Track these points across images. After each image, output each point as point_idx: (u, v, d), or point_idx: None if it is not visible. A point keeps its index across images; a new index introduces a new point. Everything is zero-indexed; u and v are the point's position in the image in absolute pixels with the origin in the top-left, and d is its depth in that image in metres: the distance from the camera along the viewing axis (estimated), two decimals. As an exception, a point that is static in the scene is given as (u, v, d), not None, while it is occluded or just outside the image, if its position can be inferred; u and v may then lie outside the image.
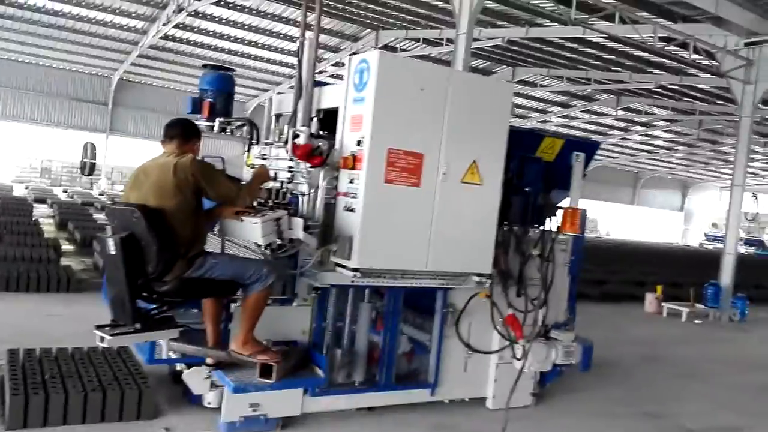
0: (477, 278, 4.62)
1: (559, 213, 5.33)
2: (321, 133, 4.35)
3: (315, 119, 4.66)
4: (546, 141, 5.33)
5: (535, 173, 5.20)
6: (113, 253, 3.29)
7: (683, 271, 17.65)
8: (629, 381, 6.61)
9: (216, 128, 5.30)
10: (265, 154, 4.83)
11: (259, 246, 4.01)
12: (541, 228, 5.29)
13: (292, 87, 5.67)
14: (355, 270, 4.08)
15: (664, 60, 17.34)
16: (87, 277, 8.91)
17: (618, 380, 6.57)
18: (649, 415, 5.64)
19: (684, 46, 12.67)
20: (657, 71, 18.92)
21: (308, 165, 4.15)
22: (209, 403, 4.42)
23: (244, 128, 5.26)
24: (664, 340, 9.34)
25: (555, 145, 5.40)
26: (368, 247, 4.04)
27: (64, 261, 9.70)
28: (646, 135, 32.45)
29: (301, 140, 4.13)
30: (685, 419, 5.58)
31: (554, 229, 5.30)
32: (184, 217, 3.56)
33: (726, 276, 11.88)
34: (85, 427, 4.02)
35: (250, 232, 3.76)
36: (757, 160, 35.52)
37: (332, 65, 22.14)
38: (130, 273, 3.29)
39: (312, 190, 4.22)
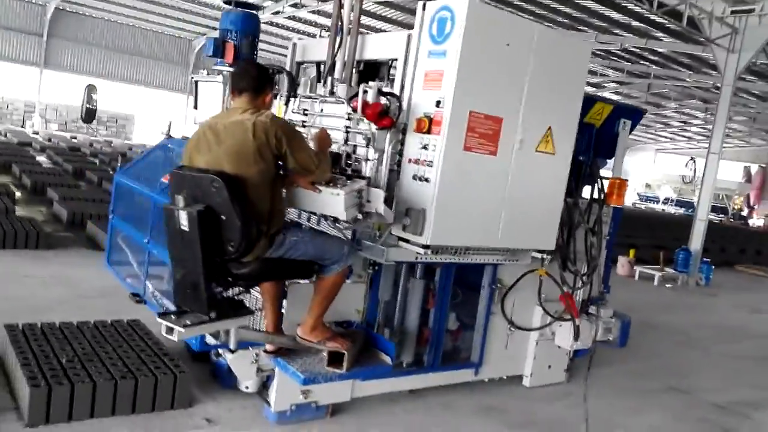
0: (537, 254, 4.29)
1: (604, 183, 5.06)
2: (384, 89, 3.80)
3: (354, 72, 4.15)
4: (596, 106, 4.97)
5: (586, 140, 4.87)
6: (186, 228, 2.73)
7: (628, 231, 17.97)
8: (640, 353, 6.53)
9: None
10: (306, 109, 4.26)
11: (336, 221, 3.52)
12: (590, 199, 5.00)
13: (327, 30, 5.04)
14: (425, 246, 3.66)
15: (630, 20, 17.25)
16: (52, 231, 8.12)
17: (631, 352, 6.48)
18: (676, 390, 5.57)
19: (673, 13, 12.53)
20: (623, 33, 18.84)
21: (374, 126, 3.64)
22: (247, 388, 3.98)
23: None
24: (649, 307, 9.41)
25: (604, 111, 5.06)
26: (442, 221, 3.61)
27: (19, 211, 8.80)
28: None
29: (369, 97, 3.60)
30: (709, 395, 5.54)
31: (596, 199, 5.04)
32: (264, 187, 3.00)
33: (696, 242, 12.11)
34: (115, 420, 3.50)
35: (330, 205, 3.25)
36: (696, 125, 36.77)
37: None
38: (206, 253, 2.74)
39: (376, 156, 3.72)
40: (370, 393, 4.07)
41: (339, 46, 4.38)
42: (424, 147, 3.62)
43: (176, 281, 2.92)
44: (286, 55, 5.16)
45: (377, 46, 4.28)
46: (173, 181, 2.99)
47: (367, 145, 3.75)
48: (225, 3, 4.98)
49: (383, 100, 3.70)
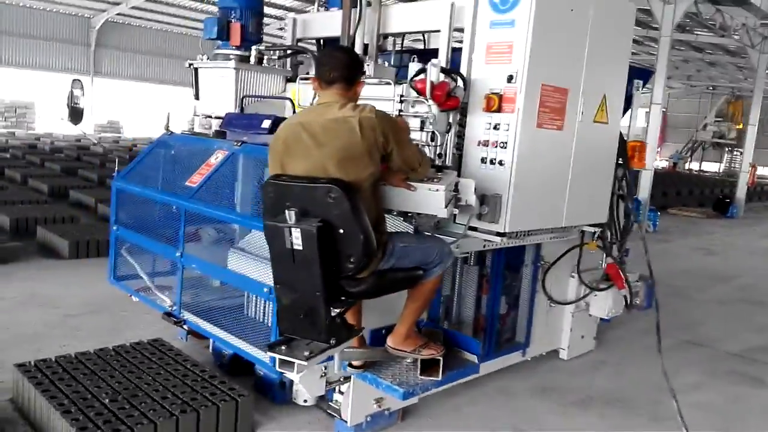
0: (591, 228, 4.15)
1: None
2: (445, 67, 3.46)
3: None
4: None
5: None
6: (300, 247, 2.32)
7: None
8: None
9: (253, 59, 4.18)
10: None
11: (435, 220, 3.19)
12: (616, 164, 4.89)
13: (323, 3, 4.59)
14: (500, 234, 3.41)
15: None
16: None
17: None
18: (691, 343, 5.69)
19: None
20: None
21: (435, 108, 3.31)
22: (305, 401, 3.65)
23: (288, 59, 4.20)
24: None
25: (621, 73, 4.94)
26: (519, 206, 3.37)
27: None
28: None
29: (433, 77, 3.25)
30: (723, 344, 5.69)
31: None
32: (372, 191, 2.62)
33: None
34: (182, 461, 3.10)
35: (428, 203, 2.90)
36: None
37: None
38: (327, 273, 2.35)
39: (439, 139, 3.40)
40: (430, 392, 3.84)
41: (359, 19, 3.99)
42: (495, 127, 3.33)
43: (283, 307, 2.52)
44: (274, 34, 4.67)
45: (408, 18, 3.93)
46: (271, 193, 2.54)
47: (422, 129, 3.43)
48: (223, -22, 4.41)
49: (442, 78, 3.37)
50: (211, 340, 4.21)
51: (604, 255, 4.68)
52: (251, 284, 3.25)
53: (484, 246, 3.57)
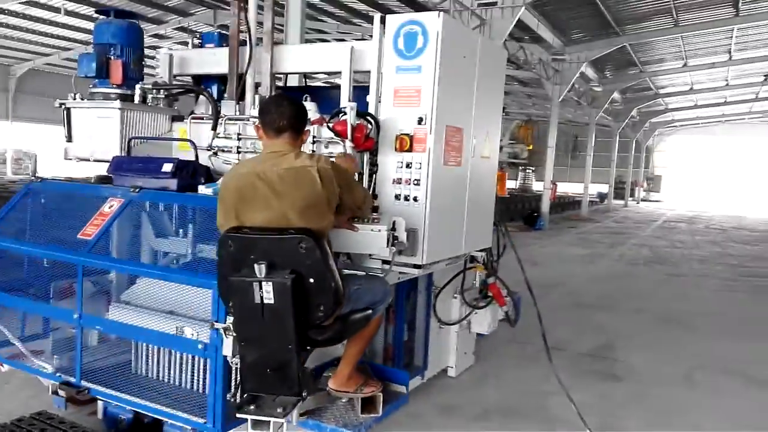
0: (479, 253, 4.49)
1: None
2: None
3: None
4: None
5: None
6: (271, 301, 2.24)
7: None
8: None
9: (137, 97, 3.95)
10: (239, 134, 3.79)
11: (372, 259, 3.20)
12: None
13: (198, 41, 4.48)
14: (417, 266, 3.59)
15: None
16: None
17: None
18: (553, 348, 6.32)
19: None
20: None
21: (350, 147, 3.42)
22: None
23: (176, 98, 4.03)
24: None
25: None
26: (434, 239, 3.58)
27: None
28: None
29: (350, 119, 3.35)
30: (573, 346, 6.41)
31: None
32: (328, 238, 2.60)
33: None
34: None
35: (371, 243, 2.95)
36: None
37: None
38: (299, 325, 2.29)
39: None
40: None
41: (249, 58, 3.99)
42: (407, 166, 3.52)
43: (248, 364, 2.41)
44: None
45: (306, 59, 4.02)
46: (231, 247, 2.43)
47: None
48: (99, 13, 4.09)
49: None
50: (98, 406, 3.84)
51: (477, 274, 5.07)
52: (182, 342, 3.05)
53: (399, 279, 3.72)
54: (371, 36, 3.62)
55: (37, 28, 20.68)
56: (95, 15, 4.08)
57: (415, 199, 3.51)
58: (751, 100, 29.81)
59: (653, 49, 19.88)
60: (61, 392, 3.50)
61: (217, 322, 2.76)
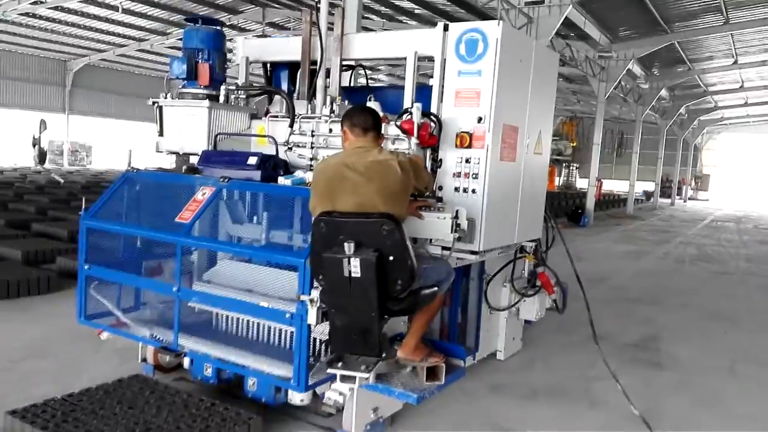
0: (529, 243, 4.81)
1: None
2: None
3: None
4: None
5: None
6: (358, 275, 2.63)
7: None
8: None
9: (222, 97, 4.40)
10: (313, 131, 4.20)
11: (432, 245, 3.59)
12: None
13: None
14: (474, 252, 3.93)
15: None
16: None
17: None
18: (599, 338, 6.57)
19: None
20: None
21: (415, 144, 3.79)
22: (302, 401, 3.82)
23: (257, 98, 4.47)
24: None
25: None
26: (490, 227, 3.92)
27: None
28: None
29: (416, 118, 3.72)
30: (619, 337, 6.64)
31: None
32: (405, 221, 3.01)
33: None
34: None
35: (436, 229, 3.33)
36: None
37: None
38: (380, 296, 2.69)
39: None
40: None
41: (321, 60, 4.38)
42: (467, 161, 3.87)
43: (337, 328, 2.81)
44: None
45: (372, 46, 4.42)
46: (323, 228, 2.84)
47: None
48: (187, 21, 4.56)
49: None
50: (187, 370, 4.32)
51: (527, 264, 5.37)
52: (272, 313, 3.46)
53: (456, 264, 4.07)
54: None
55: (94, 24, 21.69)
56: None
57: (473, 191, 3.86)
58: (805, 97, 29.06)
59: (702, 46, 19.64)
60: (162, 356, 3.95)
61: (303, 294, 3.17)
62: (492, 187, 3.89)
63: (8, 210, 13.14)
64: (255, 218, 4.36)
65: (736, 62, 21.19)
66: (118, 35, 23.32)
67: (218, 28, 4.54)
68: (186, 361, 4.04)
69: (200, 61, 4.34)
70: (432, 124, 3.83)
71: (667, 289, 9.78)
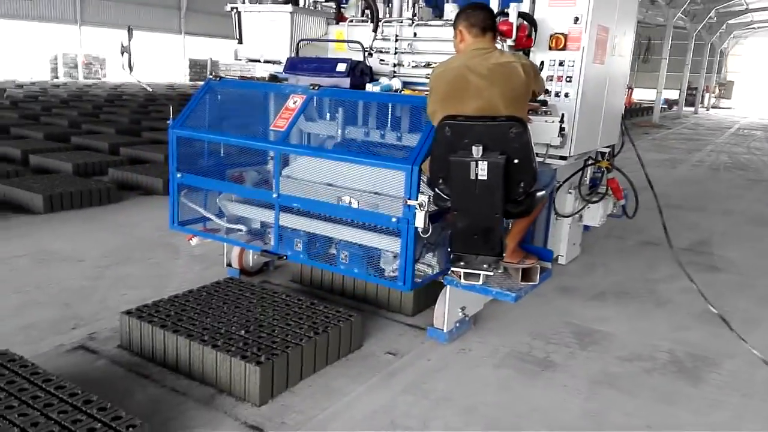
0: (605, 149, 4.83)
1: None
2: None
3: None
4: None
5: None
6: (485, 177, 2.69)
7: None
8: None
9: (302, 2, 4.32)
10: (397, 35, 4.15)
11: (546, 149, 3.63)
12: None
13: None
14: (563, 158, 3.97)
15: None
16: None
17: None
18: (649, 243, 6.71)
19: None
20: None
21: (508, 47, 3.74)
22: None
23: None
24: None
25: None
26: (581, 133, 3.94)
27: None
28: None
29: (513, 18, 3.66)
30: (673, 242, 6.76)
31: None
32: None
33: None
34: (332, 369, 3.47)
35: (544, 132, 3.36)
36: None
37: None
38: (506, 198, 2.76)
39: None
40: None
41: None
42: (560, 63, 3.83)
43: (459, 229, 2.91)
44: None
45: None
46: (448, 132, 2.87)
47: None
48: None
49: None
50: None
51: (590, 171, 5.41)
52: (378, 217, 3.53)
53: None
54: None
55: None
56: None
57: (566, 95, 3.85)
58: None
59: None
60: (263, 258, 4.10)
61: (410, 199, 3.25)
62: (585, 91, 3.87)
63: (42, 123, 13.19)
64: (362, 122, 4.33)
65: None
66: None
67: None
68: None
69: (278, -38, 4.23)
70: (528, 26, 3.77)
71: (707, 195, 9.83)
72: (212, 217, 4.32)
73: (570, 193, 5.46)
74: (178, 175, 4.24)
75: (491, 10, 3.25)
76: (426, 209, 3.18)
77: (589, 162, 5.09)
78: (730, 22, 33.54)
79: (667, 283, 5.44)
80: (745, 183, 11.34)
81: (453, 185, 2.89)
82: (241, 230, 4.42)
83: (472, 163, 2.77)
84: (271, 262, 4.97)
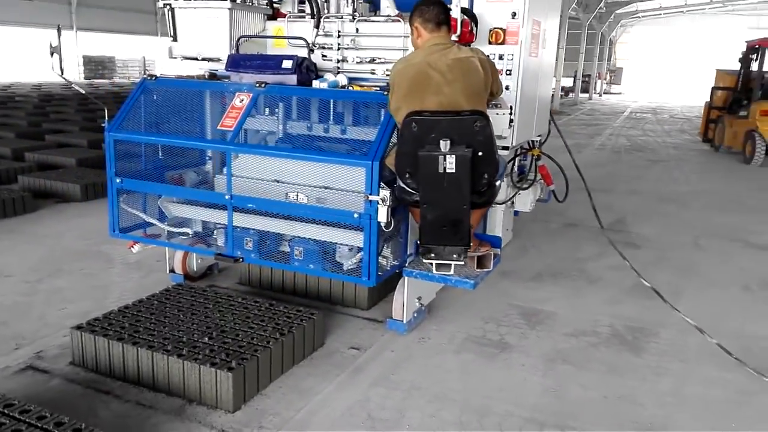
0: (537, 138, 5.07)
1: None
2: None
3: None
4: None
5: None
6: (452, 170, 2.76)
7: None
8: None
9: (239, -3, 4.24)
10: (340, 32, 4.16)
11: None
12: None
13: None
14: (505, 148, 4.14)
15: None
16: None
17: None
18: (570, 225, 7.09)
19: None
20: None
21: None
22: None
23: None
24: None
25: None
26: (521, 123, 4.12)
27: None
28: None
29: (456, 14, 3.75)
30: (588, 222, 7.19)
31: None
32: None
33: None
34: (299, 370, 3.46)
35: (495, 124, 3.46)
36: None
37: None
38: (472, 190, 2.84)
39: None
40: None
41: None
42: (500, 57, 3.98)
43: (428, 222, 2.97)
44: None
45: None
46: (414, 127, 2.90)
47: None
48: None
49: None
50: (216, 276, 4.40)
51: (518, 159, 5.66)
52: (338, 213, 3.54)
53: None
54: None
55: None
56: None
57: (507, 87, 4.01)
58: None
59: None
60: (220, 262, 4.01)
61: (371, 195, 3.29)
62: (523, 83, 4.05)
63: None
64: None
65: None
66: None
67: None
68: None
69: (212, -43, 4.12)
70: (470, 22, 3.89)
71: (614, 177, 10.47)
72: (156, 222, 4.17)
73: (503, 181, 5.69)
74: (117, 180, 4.06)
75: (444, 5, 3.32)
76: (388, 204, 3.24)
77: (522, 150, 5.31)
78: (618, 11, 35.66)
79: (594, 261, 5.79)
80: (646, 164, 12.17)
81: (421, 179, 2.96)
82: (186, 234, 4.30)
83: (440, 157, 2.86)
84: (215, 265, 4.87)
